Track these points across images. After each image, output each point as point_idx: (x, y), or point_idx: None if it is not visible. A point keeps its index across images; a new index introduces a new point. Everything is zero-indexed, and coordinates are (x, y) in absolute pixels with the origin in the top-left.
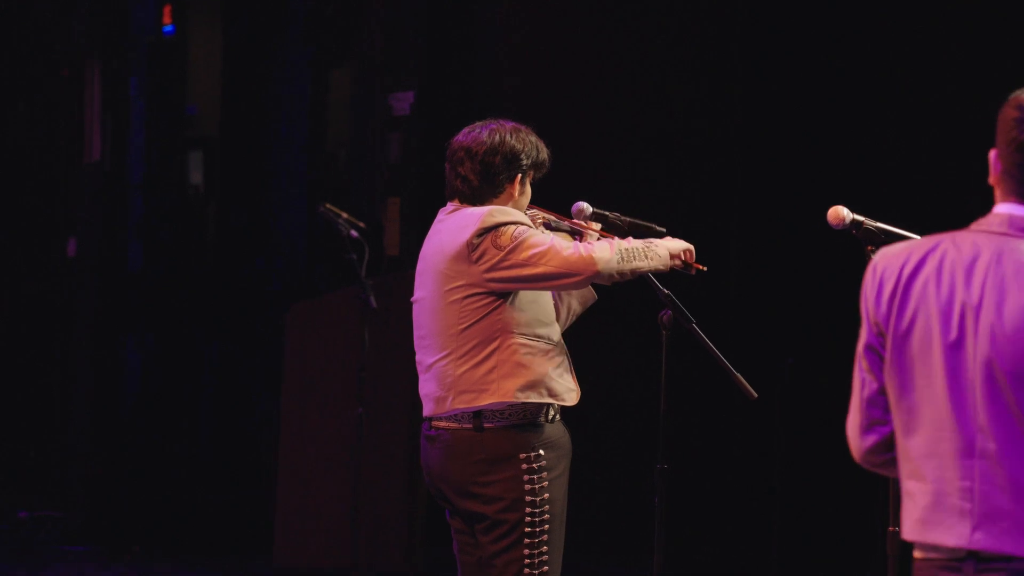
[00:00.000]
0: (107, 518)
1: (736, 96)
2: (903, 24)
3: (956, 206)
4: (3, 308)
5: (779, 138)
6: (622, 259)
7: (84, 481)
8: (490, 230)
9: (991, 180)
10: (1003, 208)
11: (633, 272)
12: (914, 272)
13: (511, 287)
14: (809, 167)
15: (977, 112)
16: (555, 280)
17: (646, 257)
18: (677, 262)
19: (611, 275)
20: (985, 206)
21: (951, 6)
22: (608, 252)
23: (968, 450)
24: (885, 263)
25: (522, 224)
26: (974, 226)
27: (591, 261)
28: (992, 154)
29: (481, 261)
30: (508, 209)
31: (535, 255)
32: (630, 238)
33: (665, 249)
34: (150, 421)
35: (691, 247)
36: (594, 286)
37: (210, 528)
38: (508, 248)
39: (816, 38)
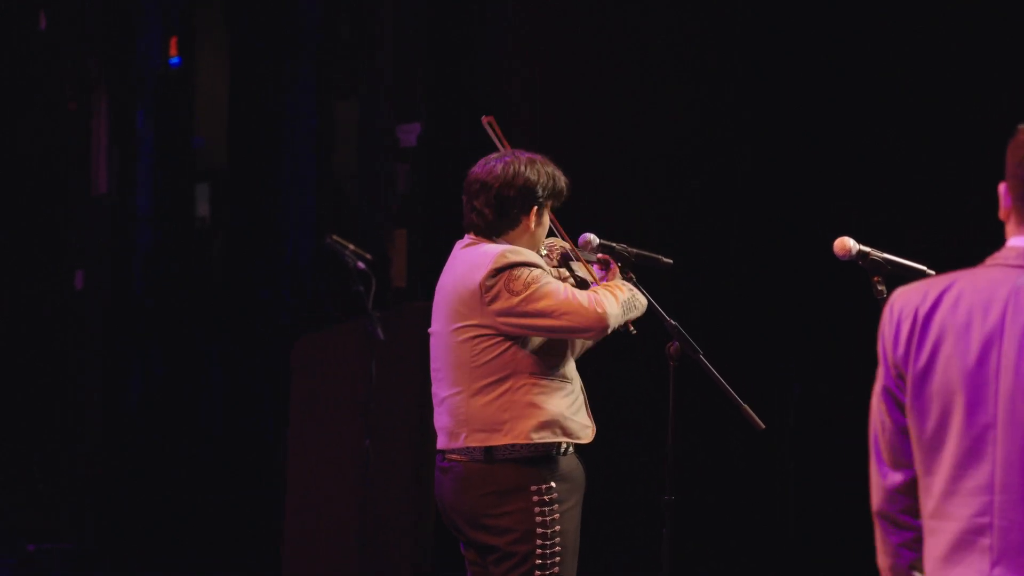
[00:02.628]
0: (116, 548)
1: (749, 116)
2: (903, 24)
3: (956, 205)
4: (12, 339)
5: (782, 141)
6: (623, 313)
7: (93, 512)
8: (503, 271)
9: (1001, 215)
10: (1018, 241)
11: (625, 323)
12: (931, 311)
13: (523, 333)
14: (812, 173)
15: (977, 112)
16: (569, 334)
17: (635, 308)
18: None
19: (614, 329)
20: (985, 205)
21: (951, 6)
22: (616, 307)
23: (987, 486)
24: (902, 303)
25: (535, 267)
26: (989, 261)
27: (604, 319)
28: (1001, 188)
29: (493, 303)
30: (521, 249)
31: (551, 308)
32: (623, 287)
33: (643, 299)
34: (159, 450)
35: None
36: None
37: (220, 560)
38: (522, 295)
39: (816, 38)
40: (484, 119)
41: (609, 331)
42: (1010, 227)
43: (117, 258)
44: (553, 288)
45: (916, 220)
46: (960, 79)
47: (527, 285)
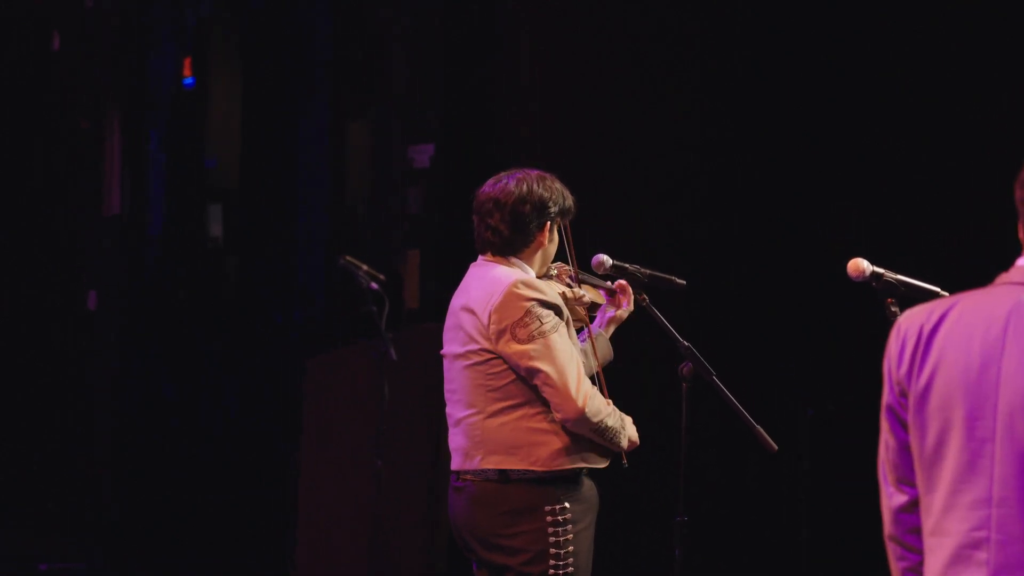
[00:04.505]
0: (130, 569)
1: (764, 137)
2: (904, 24)
3: (956, 206)
4: (25, 359)
5: (808, 179)
6: (598, 429)
7: (109, 531)
8: (513, 307)
9: (1021, 235)
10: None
11: (595, 438)
12: (935, 328)
13: (519, 374)
14: (838, 210)
15: (977, 112)
16: (546, 398)
17: (613, 438)
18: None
19: (581, 430)
20: (991, 208)
21: (952, 6)
22: (598, 415)
23: (985, 500)
24: (908, 323)
25: (547, 311)
26: (997, 280)
27: (580, 412)
28: (1021, 227)
29: (499, 340)
30: (534, 281)
31: (542, 370)
32: (615, 411)
33: (627, 440)
34: (170, 468)
35: (637, 443)
36: (613, 338)
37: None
38: (524, 347)
39: (845, 72)
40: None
41: (578, 427)
42: None
43: (129, 278)
44: (554, 354)
45: (917, 221)
46: (961, 79)
47: (532, 338)
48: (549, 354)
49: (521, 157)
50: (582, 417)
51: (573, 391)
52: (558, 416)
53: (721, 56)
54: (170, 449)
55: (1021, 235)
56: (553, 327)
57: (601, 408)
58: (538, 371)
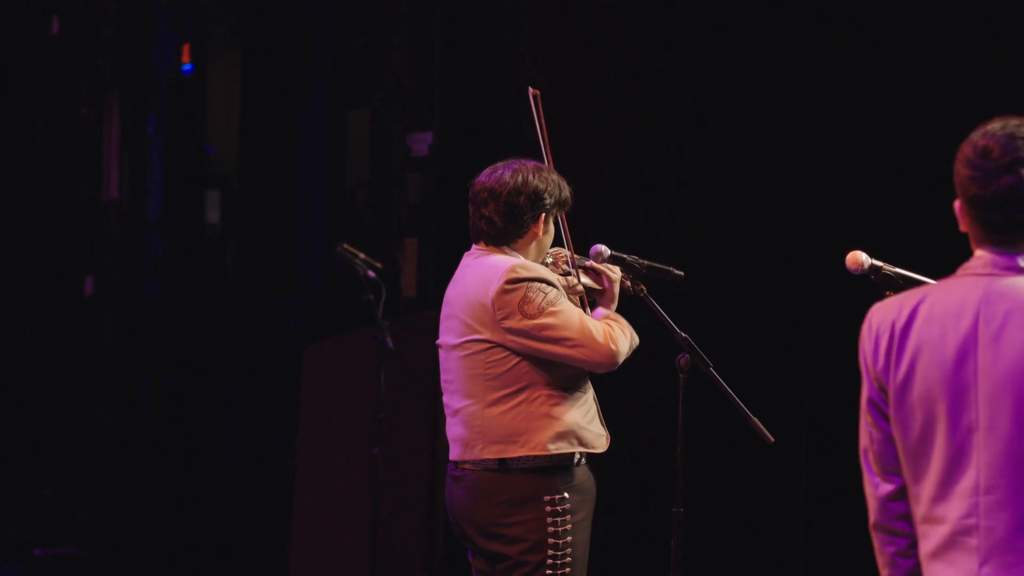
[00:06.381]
0: (127, 556)
1: (762, 129)
2: (931, 51)
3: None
4: (25, 344)
5: (806, 171)
6: (629, 349)
7: (107, 518)
8: (515, 289)
9: (962, 228)
10: (984, 251)
11: None
12: (907, 323)
13: (531, 354)
14: (835, 203)
15: (978, 105)
16: (577, 364)
17: (633, 344)
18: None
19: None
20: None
21: (984, 37)
22: (626, 344)
23: (974, 488)
24: (879, 318)
25: (548, 286)
26: (960, 271)
27: (615, 356)
28: (956, 205)
29: (505, 321)
30: (531, 264)
31: (565, 337)
32: (626, 323)
33: (636, 336)
34: (168, 457)
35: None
36: None
37: (229, 569)
38: (536, 320)
39: (843, 66)
40: (531, 91)
41: (618, 364)
42: (972, 241)
43: (127, 264)
44: (568, 317)
45: (919, 214)
46: (959, 68)
47: (541, 310)
48: (564, 319)
49: (520, 146)
50: (618, 359)
51: (600, 339)
52: (597, 370)
53: (720, 50)
54: (168, 436)
55: (962, 227)
56: (557, 296)
57: (623, 336)
58: (560, 338)
